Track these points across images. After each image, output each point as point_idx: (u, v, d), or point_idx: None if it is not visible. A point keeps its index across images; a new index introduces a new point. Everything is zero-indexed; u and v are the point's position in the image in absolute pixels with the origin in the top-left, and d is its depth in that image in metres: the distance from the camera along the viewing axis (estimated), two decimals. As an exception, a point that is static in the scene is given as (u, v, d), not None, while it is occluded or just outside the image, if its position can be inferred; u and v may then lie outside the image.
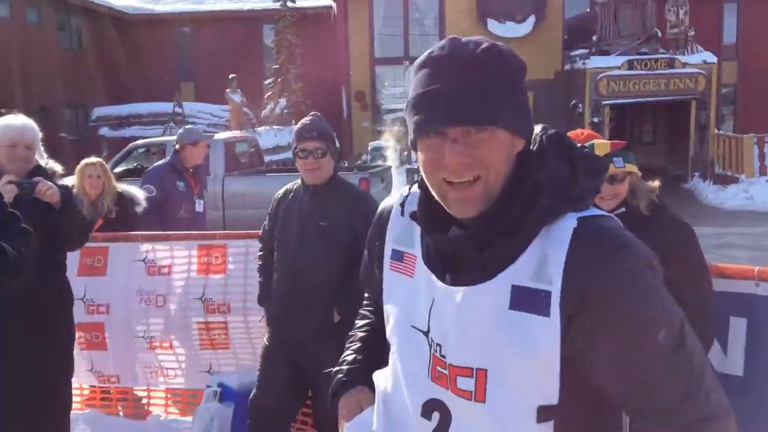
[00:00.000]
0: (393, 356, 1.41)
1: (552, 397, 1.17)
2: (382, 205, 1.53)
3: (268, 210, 3.63)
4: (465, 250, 1.24)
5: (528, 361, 1.16)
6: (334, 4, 21.20)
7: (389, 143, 17.08)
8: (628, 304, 1.14)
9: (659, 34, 17.78)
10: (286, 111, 19.62)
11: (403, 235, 1.41)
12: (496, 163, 1.20)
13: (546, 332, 1.15)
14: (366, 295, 1.73)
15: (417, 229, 1.37)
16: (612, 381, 1.18)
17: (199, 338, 4.24)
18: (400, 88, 19.35)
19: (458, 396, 1.24)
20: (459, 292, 1.23)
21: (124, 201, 5.01)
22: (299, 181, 3.51)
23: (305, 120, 3.44)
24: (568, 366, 1.16)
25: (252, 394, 3.55)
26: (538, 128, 1.30)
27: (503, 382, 1.19)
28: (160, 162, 6.16)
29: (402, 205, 1.43)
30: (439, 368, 1.27)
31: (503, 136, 1.20)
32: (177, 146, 5.76)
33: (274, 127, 18.46)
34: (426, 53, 1.24)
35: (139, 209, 5.11)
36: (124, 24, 23.44)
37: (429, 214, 1.30)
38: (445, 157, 1.18)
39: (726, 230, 11.89)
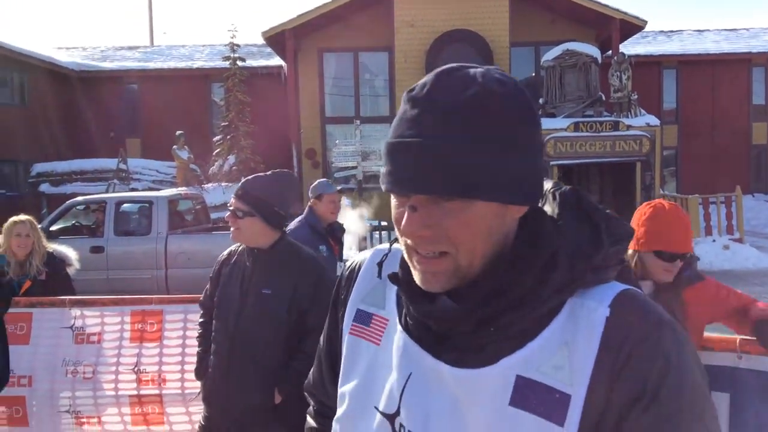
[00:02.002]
0: None
1: None
2: (353, 260, 1.27)
3: (210, 273, 3.32)
4: (460, 326, 0.99)
5: None
6: (284, 64, 21.25)
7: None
8: (662, 403, 0.89)
9: (603, 98, 18.25)
10: (235, 168, 19.37)
11: (372, 294, 1.16)
12: (469, 241, 0.95)
13: None
14: (309, 391, 1.39)
15: (391, 288, 1.12)
16: None
17: (131, 413, 3.86)
18: (351, 146, 19.32)
19: None
20: (452, 371, 0.98)
21: (55, 261, 4.66)
22: None
23: (251, 176, 3.19)
24: None
25: None
26: (548, 184, 1.08)
27: None
28: (297, 222, 4.88)
29: (380, 264, 1.16)
30: None
31: (485, 208, 0.94)
32: (310, 202, 4.93)
33: (223, 184, 18.15)
34: (417, 84, 0.99)
35: (71, 270, 4.76)
36: (70, 80, 23.02)
37: (412, 278, 1.04)
38: (402, 223, 0.96)
39: (675, 290, 11.91)
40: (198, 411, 3.76)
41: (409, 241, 0.98)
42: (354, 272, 1.23)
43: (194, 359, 3.41)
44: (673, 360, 0.91)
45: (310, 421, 1.39)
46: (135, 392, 3.83)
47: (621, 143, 17.19)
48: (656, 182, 17.71)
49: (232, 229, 3.06)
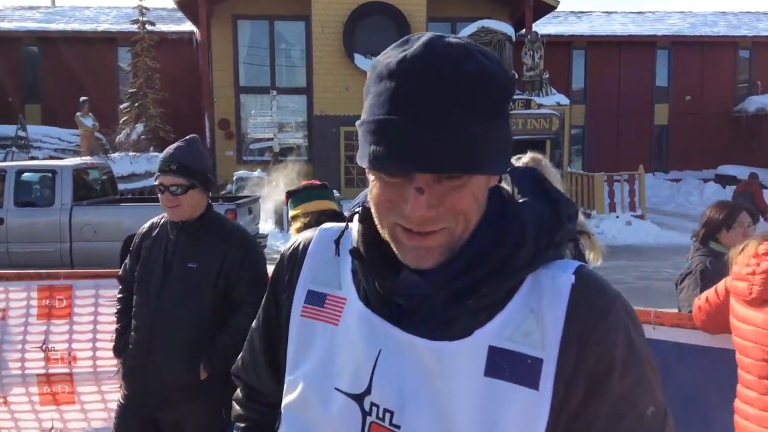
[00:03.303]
0: None
1: None
2: (295, 240, 1.21)
3: (131, 246, 3.15)
4: (431, 301, 0.97)
5: None
6: (196, 30, 20.57)
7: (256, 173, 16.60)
8: (629, 373, 0.96)
9: (516, 76, 18.62)
10: (143, 137, 18.71)
11: (323, 274, 1.11)
12: (468, 213, 0.96)
13: (532, 407, 0.92)
14: (239, 376, 1.33)
15: (345, 267, 1.09)
16: None
17: (39, 392, 3.68)
18: (267, 117, 18.98)
19: None
20: (428, 344, 0.96)
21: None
22: (167, 214, 3.11)
23: (170, 148, 3.00)
24: None
25: None
26: None
27: None
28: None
29: (337, 242, 1.12)
30: None
31: (480, 180, 0.96)
32: None
33: (130, 153, 17.48)
34: (395, 54, 0.94)
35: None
36: (-38, 39, 21.57)
37: (375, 253, 1.02)
38: (406, 207, 0.92)
39: (581, 264, 12.40)
40: (111, 390, 3.62)
41: (402, 223, 0.95)
42: (298, 253, 1.17)
43: (107, 336, 3.28)
44: (632, 332, 0.98)
45: (237, 408, 1.33)
46: (43, 371, 3.65)
47: (532, 121, 17.62)
48: (564, 160, 18.28)
49: (168, 207, 2.92)
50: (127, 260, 3.18)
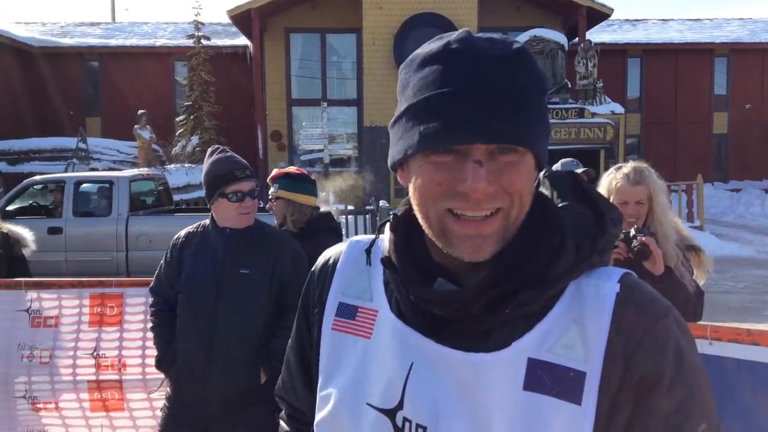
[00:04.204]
0: None
1: None
2: (326, 255, 1.19)
3: (165, 257, 3.15)
4: (467, 310, 0.93)
5: None
6: (250, 44, 20.93)
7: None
8: (679, 387, 0.91)
9: (569, 85, 18.36)
10: (198, 149, 19.06)
11: (355, 286, 1.08)
12: (524, 194, 0.92)
13: (574, 423, 0.88)
14: (281, 396, 1.30)
15: (377, 279, 1.06)
16: None
17: (90, 399, 3.74)
18: (318, 129, 19.16)
19: None
20: (463, 356, 0.92)
21: (10, 242, 4.49)
22: (204, 223, 3.11)
23: (223, 156, 3.05)
24: None
25: None
26: None
27: None
28: None
29: (368, 251, 1.09)
30: None
31: (531, 161, 0.93)
32: None
33: (186, 165, 17.84)
34: (436, 44, 0.93)
35: (27, 252, 4.58)
36: (28, 56, 22.35)
37: (409, 262, 0.99)
38: (466, 182, 0.88)
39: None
40: (159, 397, 3.66)
41: (455, 206, 0.91)
42: (328, 267, 1.15)
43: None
44: (683, 345, 0.92)
45: (284, 426, 1.30)
46: (94, 377, 3.71)
47: (586, 130, 17.33)
48: (620, 169, 17.92)
49: (242, 215, 3.00)
50: (159, 271, 3.17)
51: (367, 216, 15.40)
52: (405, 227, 1.03)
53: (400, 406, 0.96)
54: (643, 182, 2.99)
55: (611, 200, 2.93)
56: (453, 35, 0.93)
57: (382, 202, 15.80)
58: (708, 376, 0.96)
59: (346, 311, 1.07)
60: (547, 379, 0.89)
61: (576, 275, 0.94)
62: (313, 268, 1.19)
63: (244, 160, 3.10)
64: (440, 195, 0.91)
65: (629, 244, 2.79)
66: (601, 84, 18.19)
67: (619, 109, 18.08)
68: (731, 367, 2.59)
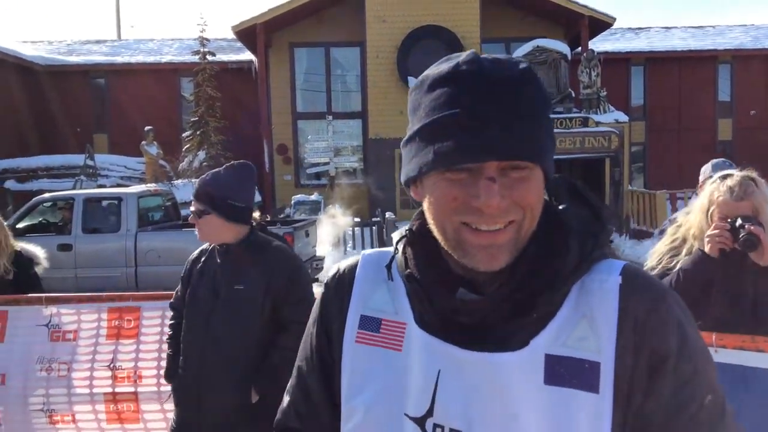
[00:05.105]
0: None
1: None
2: (339, 267, 1.21)
3: (181, 273, 3.24)
4: (492, 316, 0.99)
5: None
6: (255, 59, 21.09)
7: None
8: (684, 362, 0.99)
9: (572, 94, 18.42)
10: (205, 164, 19.18)
11: (375, 300, 1.11)
12: (534, 207, 0.99)
13: (595, 410, 0.95)
14: (287, 401, 1.25)
15: (398, 292, 1.09)
16: None
17: (106, 411, 3.80)
18: (323, 142, 19.28)
19: None
20: (487, 357, 0.98)
21: (23, 260, 4.54)
22: None
23: (208, 173, 3.16)
24: None
25: None
26: None
27: None
28: None
29: (388, 267, 1.11)
30: None
31: (540, 175, 0.99)
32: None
33: (193, 180, 17.94)
34: (445, 66, 0.99)
35: (39, 269, 4.64)
36: (35, 74, 22.55)
37: (431, 275, 1.04)
38: (478, 200, 0.94)
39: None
40: (173, 410, 3.72)
41: (470, 220, 0.96)
42: (345, 280, 1.17)
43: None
44: (684, 324, 1.00)
45: None
46: (110, 390, 3.76)
47: (590, 139, 17.37)
48: (624, 178, 17.94)
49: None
50: (178, 287, 3.26)
51: (374, 228, 15.45)
52: (422, 241, 1.08)
53: (429, 413, 1.00)
54: (748, 198, 2.79)
55: (711, 212, 2.80)
56: (461, 57, 0.98)
57: (388, 214, 15.85)
58: (709, 351, 1.04)
59: (370, 324, 1.10)
60: (565, 372, 0.96)
61: (583, 272, 1.00)
62: (326, 282, 1.21)
63: (208, 181, 3.06)
64: (455, 210, 0.97)
65: (736, 234, 2.71)
66: (605, 93, 18.25)
67: (623, 117, 18.12)
68: (737, 374, 2.62)
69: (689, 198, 16.20)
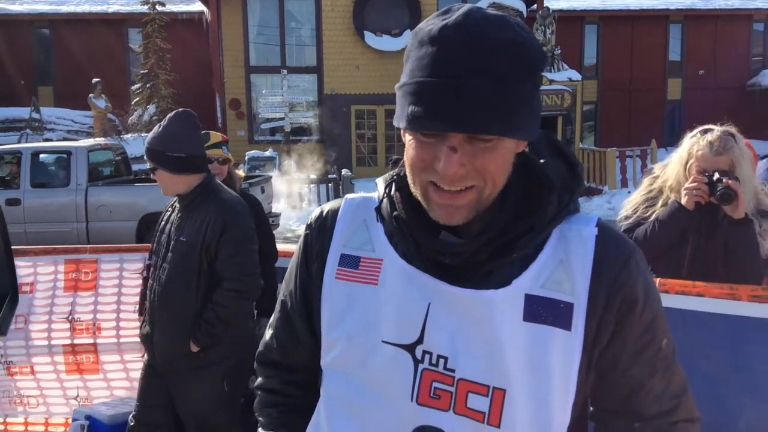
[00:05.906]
0: (339, 390, 1.16)
1: (565, 415, 1.08)
2: (322, 209, 1.28)
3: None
4: (475, 257, 1.08)
5: (547, 379, 1.05)
6: (206, 10, 20.57)
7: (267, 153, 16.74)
8: (648, 311, 1.11)
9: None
10: (155, 117, 18.79)
11: (355, 239, 1.19)
12: (496, 175, 1.05)
13: (566, 347, 1.06)
14: (270, 360, 1.35)
15: (378, 232, 1.17)
16: (615, 386, 1.13)
17: (65, 362, 3.81)
18: (278, 97, 19.01)
19: (465, 417, 1.06)
20: (474, 293, 1.07)
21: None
22: None
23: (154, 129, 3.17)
24: (581, 379, 1.08)
25: (134, 410, 3.16)
26: None
27: (520, 404, 1.05)
28: None
29: (378, 209, 1.18)
30: (437, 385, 1.08)
31: (510, 143, 1.05)
32: None
33: (143, 134, 17.60)
34: (436, 22, 1.01)
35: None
36: (-25, 23, 21.66)
37: (416, 218, 1.11)
38: (439, 164, 1.01)
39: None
40: (133, 359, 3.75)
41: (434, 180, 1.03)
42: (326, 221, 1.24)
43: (130, 308, 3.45)
44: (648, 277, 1.14)
45: (266, 396, 1.34)
46: (69, 341, 3.78)
47: (544, 97, 17.53)
48: (576, 136, 18.23)
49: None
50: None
51: (330, 184, 15.45)
52: (407, 186, 1.13)
53: (420, 341, 1.09)
54: (726, 153, 2.85)
55: (690, 165, 2.88)
56: (454, 15, 1.00)
57: (344, 171, 15.85)
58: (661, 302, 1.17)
59: (349, 261, 1.18)
60: (542, 310, 1.06)
61: (559, 222, 1.10)
62: (309, 222, 1.28)
63: (155, 137, 3.07)
64: (423, 169, 1.04)
65: (712, 187, 2.77)
66: (559, 51, 18.38)
67: (576, 76, 18.33)
68: (677, 318, 2.77)
69: (637, 156, 16.59)
